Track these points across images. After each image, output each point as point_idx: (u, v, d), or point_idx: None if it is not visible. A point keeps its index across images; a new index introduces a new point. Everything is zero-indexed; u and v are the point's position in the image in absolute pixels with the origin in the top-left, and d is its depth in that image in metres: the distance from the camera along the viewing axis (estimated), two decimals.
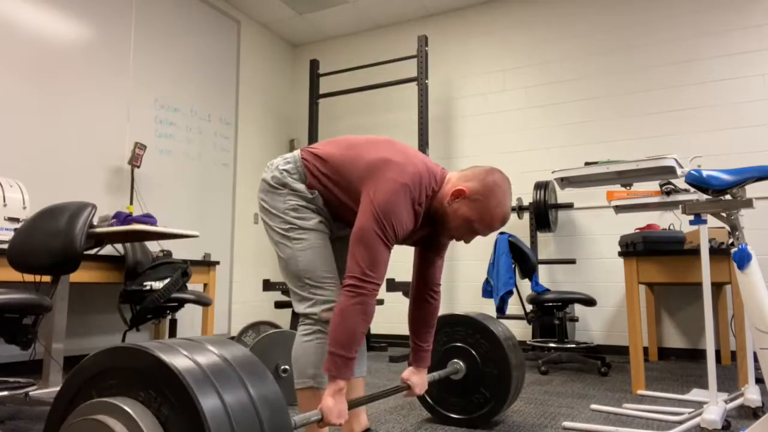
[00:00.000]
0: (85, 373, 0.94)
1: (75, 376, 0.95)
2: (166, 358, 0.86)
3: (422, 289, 1.83)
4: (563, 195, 4.74)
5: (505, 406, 2.17)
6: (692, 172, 1.94)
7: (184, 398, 0.82)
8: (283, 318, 5.80)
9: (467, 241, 1.66)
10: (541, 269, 4.75)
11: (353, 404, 1.57)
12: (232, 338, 3.94)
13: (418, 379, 1.83)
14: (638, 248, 2.97)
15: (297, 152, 1.74)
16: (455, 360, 2.24)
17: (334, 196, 1.66)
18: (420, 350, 1.84)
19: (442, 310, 5.09)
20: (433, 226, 1.72)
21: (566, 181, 2.85)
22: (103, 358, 0.92)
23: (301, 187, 1.67)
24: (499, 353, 2.16)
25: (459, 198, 1.60)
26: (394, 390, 1.78)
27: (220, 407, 0.83)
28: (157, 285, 3.27)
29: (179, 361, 0.86)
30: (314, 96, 5.31)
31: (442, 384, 2.28)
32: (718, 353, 3.99)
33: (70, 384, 0.96)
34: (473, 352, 2.21)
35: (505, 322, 4.85)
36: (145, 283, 3.29)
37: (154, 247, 4.13)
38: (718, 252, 2.76)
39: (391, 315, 5.14)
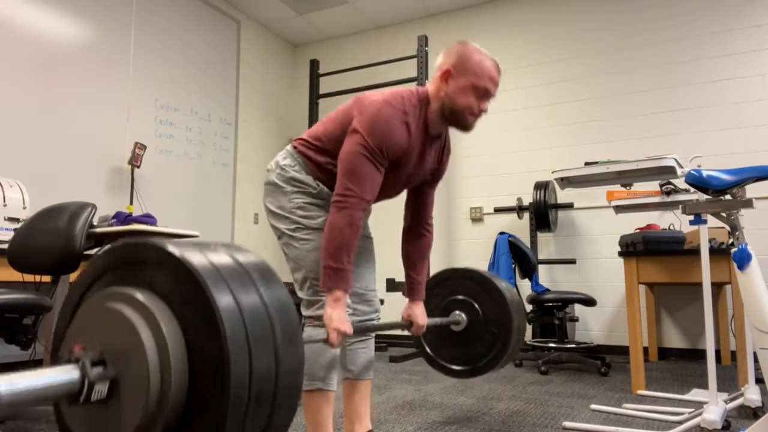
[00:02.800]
0: (99, 266, 0.92)
1: (89, 268, 0.93)
2: (181, 254, 0.84)
3: (416, 225, 1.85)
4: (563, 195, 4.74)
5: (505, 356, 2.16)
6: (692, 172, 1.94)
7: (198, 294, 0.81)
8: None
9: (484, 109, 1.63)
10: (541, 269, 4.75)
11: (360, 330, 1.58)
12: None
13: (419, 310, 1.85)
14: (638, 248, 2.97)
15: (288, 146, 1.75)
16: (457, 312, 2.24)
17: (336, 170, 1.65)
18: (416, 282, 1.87)
19: None
20: (439, 138, 1.72)
21: (566, 181, 2.85)
22: (117, 252, 0.90)
23: (305, 178, 1.67)
24: (500, 305, 2.16)
25: (449, 78, 1.61)
26: (398, 325, 1.79)
27: (234, 306, 0.81)
28: None
29: (194, 258, 0.84)
30: (314, 96, 5.31)
31: (444, 336, 2.28)
32: (718, 353, 3.99)
33: (84, 276, 0.94)
34: (475, 304, 2.21)
35: None
36: None
37: None
38: (718, 252, 2.76)
39: (391, 315, 5.13)
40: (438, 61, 1.66)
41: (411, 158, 1.64)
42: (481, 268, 2.34)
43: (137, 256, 0.88)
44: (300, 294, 1.67)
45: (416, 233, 1.86)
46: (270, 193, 1.72)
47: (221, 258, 0.89)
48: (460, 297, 2.24)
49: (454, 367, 2.24)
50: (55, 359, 0.91)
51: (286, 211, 1.67)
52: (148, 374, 0.78)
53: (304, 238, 1.64)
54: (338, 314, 1.46)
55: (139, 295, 0.83)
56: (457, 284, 2.27)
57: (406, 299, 1.90)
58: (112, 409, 0.81)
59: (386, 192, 1.73)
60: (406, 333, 5.34)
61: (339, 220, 1.49)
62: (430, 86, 1.67)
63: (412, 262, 1.87)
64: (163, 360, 0.79)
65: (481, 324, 2.18)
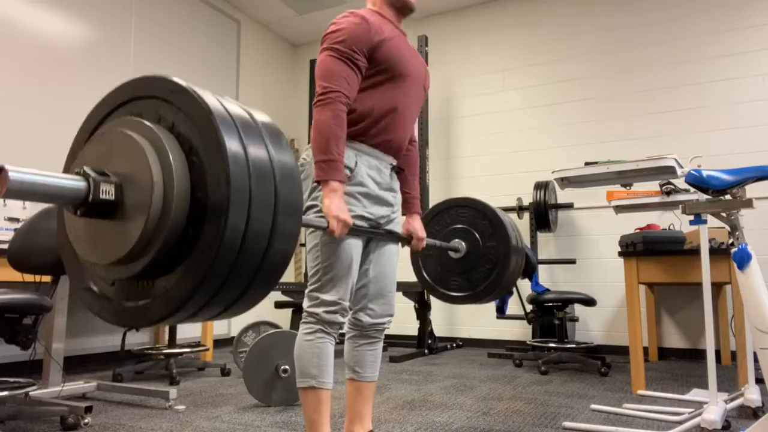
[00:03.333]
0: (116, 98, 0.94)
1: (106, 99, 0.95)
2: (202, 96, 0.85)
3: None
4: (563, 195, 4.74)
5: (503, 282, 2.17)
6: (692, 172, 1.94)
7: (209, 133, 0.82)
8: (283, 318, 5.80)
9: None
10: (541, 269, 4.75)
11: (355, 230, 1.60)
12: (232, 339, 3.95)
13: (417, 224, 1.88)
14: (638, 248, 2.97)
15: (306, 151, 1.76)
16: (457, 240, 2.25)
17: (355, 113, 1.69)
18: (411, 197, 1.92)
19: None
20: (405, 36, 1.81)
21: (566, 181, 2.84)
22: (133, 86, 0.92)
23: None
24: (499, 230, 2.17)
25: None
26: (399, 238, 1.79)
27: (242, 155, 0.82)
28: None
29: (209, 99, 0.86)
30: (314, 96, 5.31)
31: (444, 264, 2.29)
32: (718, 353, 3.99)
33: (100, 107, 0.96)
34: (475, 233, 2.22)
35: (505, 322, 4.85)
36: None
37: None
38: (718, 252, 2.76)
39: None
40: None
41: (399, 45, 1.71)
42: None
43: (154, 91, 0.89)
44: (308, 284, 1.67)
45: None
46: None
47: (235, 108, 0.89)
48: (461, 226, 2.26)
49: (453, 294, 2.26)
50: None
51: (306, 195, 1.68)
52: (151, 194, 0.80)
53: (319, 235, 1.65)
54: (337, 203, 1.49)
55: (151, 125, 0.85)
56: (459, 212, 2.30)
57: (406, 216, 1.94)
58: (113, 226, 0.84)
59: (414, 98, 1.77)
60: (406, 333, 5.31)
61: (323, 115, 1.55)
62: (367, 2, 1.80)
63: (404, 178, 1.92)
64: (167, 184, 0.81)
65: (480, 254, 2.21)
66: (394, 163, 1.80)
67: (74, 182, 0.80)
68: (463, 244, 2.24)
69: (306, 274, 4.62)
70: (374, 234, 1.67)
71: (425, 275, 2.33)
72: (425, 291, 3.92)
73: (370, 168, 1.69)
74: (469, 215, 2.26)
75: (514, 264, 2.19)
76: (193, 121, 0.84)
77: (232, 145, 0.82)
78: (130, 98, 0.92)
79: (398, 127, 1.72)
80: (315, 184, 1.63)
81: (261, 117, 0.93)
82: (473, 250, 2.22)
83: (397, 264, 1.90)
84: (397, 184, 1.84)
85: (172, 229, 0.81)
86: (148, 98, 0.90)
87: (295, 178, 0.91)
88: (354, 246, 1.66)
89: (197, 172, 0.83)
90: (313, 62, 5.34)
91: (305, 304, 1.65)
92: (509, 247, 2.16)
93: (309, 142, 1.83)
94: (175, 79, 0.87)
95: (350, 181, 1.65)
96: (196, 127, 0.84)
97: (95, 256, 0.85)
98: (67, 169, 0.96)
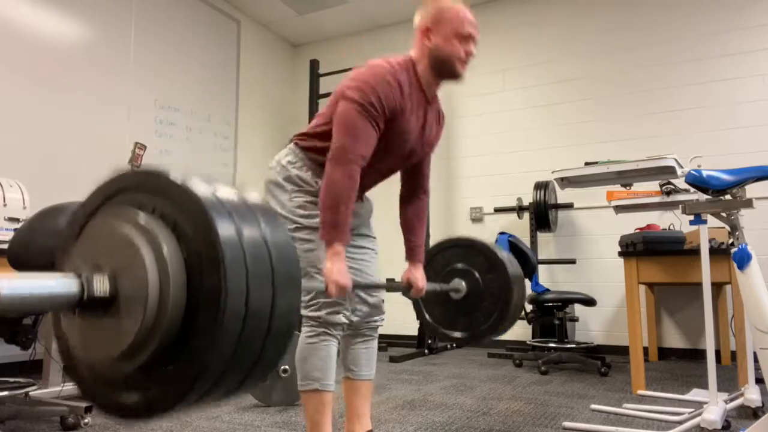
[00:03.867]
0: (105, 191, 0.93)
1: (95, 193, 0.94)
2: (186, 182, 0.85)
3: (412, 192, 1.88)
4: (563, 195, 4.74)
5: (504, 324, 2.16)
6: (692, 172, 1.94)
7: (201, 222, 0.81)
8: None
9: (470, 52, 1.68)
10: (541, 269, 4.75)
11: (358, 286, 1.58)
12: None
13: (418, 273, 1.85)
14: (638, 248, 2.97)
15: (290, 144, 1.75)
16: (457, 280, 2.25)
17: None
18: (415, 245, 1.89)
19: None
20: (436, 103, 1.79)
21: (566, 181, 2.85)
22: (125, 178, 0.91)
23: (305, 175, 1.67)
24: (501, 275, 2.16)
25: (429, 34, 1.65)
26: (398, 288, 1.79)
27: (235, 237, 0.82)
28: None
29: (200, 187, 0.85)
30: (314, 96, 5.31)
31: (444, 305, 2.28)
32: (718, 353, 3.99)
33: (89, 201, 0.95)
34: (476, 273, 2.21)
35: None
36: None
37: None
38: (718, 252, 2.76)
39: (391, 315, 5.13)
40: (415, 22, 1.70)
41: (409, 120, 1.65)
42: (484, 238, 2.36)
43: (143, 183, 0.89)
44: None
45: (414, 198, 1.89)
46: (271, 192, 1.72)
47: (226, 192, 0.89)
48: (461, 266, 2.25)
49: (455, 334, 2.25)
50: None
51: (286, 210, 1.67)
52: (146, 291, 0.79)
53: (303, 238, 1.64)
54: (338, 267, 1.47)
55: (143, 218, 0.85)
56: (458, 253, 2.28)
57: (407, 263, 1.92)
58: (109, 324, 0.83)
59: (389, 164, 1.74)
60: (406, 333, 5.31)
61: (336, 175, 1.49)
62: (413, 50, 1.70)
63: (410, 226, 1.89)
64: (162, 279, 0.80)
65: (480, 293, 2.20)
66: None
67: (67, 283, 0.80)
68: (463, 283, 2.21)
69: None
70: (375, 287, 1.68)
71: (428, 317, 2.32)
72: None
73: None
74: (463, 254, 2.24)
75: (516, 296, 2.18)
76: (185, 211, 0.84)
77: (225, 231, 0.82)
78: (120, 190, 0.92)
79: (367, 180, 1.69)
80: (297, 197, 1.65)
81: (253, 197, 0.95)
82: (473, 292, 2.20)
83: (377, 262, 1.92)
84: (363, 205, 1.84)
85: (170, 321, 0.81)
86: (138, 191, 0.90)
87: (291, 253, 0.92)
88: None
89: (192, 262, 0.83)
90: (313, 62, 5.34)
91: (306, 311, 1.65)
92: (509, 280, 2.13)
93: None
94: (165, 172, 0.87)
95: (312, 191, 1.66)
96: (188, 217, 0.84)
97: (93, 355, 0.85)
98: (59, 267, 0.96)
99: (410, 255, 1.88)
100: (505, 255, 2.22)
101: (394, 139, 1.63)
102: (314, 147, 1.68)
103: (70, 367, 0.92)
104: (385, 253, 2.35)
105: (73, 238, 0.96)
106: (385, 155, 1.64)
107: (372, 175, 1.69)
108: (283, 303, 0.87)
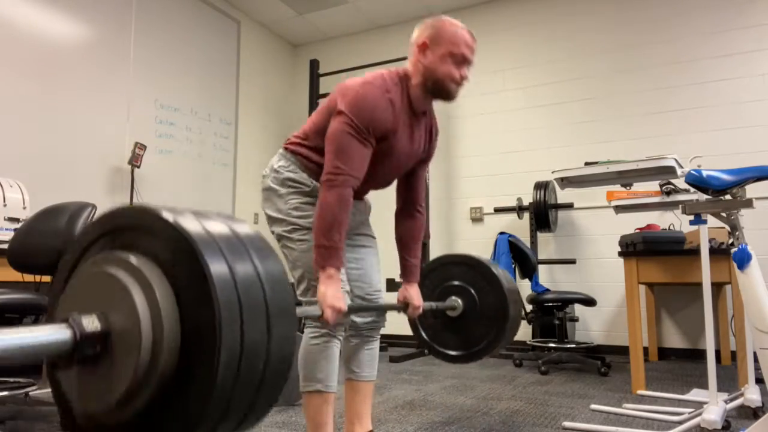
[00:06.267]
0: (93, 232, 0.93)
1: (83, 234, 0.94)
2: (176, 220, 0.84)
3: (408, 207, 1.86)
4: (563, 195, 4.74)
5: (501, 342, 2.16)
6: (692, 172, 1.94)
7: (192, 260, 0.81)
8: None
9: (464, 76, 1.65)
10: (541, 269, 4.75)
11: (353, 310, 1.59)
12: None
13: (414, 291, 1.84)
14: (638, 248, 2.97)
15: (280, 149, 1.76)
16: (453, 297, 2.24)
17: None
18: (410, 264, 1.87)
19: None
20: (424, 115, 1.74)
21: (566, 181, 2.85)
22: (110, 218, 0.91)
23: (299, 176, 1.68)
24: (497, 293, 2.16)
25: (426, 50, 1.63)
26: (394, 307, 1.79)
27: (227, 274, 0.81)
28: None
29: (189, 224, 0.84)
30: (314, 96, 5.31)
31: (440, 321, 2.27)
32: (718, 353, 3.99)
33: (77, 243, 0.94)
34: (472, 290, 2.21)
35: None
36: None
37: None
38: (718, 252, 2.76)
39: (391, 314, 5.13)
40: (413, 37, 1.68)
41: (400, 138, 1.64)
42: (480, 255, 2.35)
43: (131, 222, 0.88)
44: (300, 295, 1.67)
45: (408, 215, 1.87)
46: (267, 199, 1.73)
47: (217, 226, 0.88)
48: (457, 283, 2.24)
49: (451, 352, 2.25)
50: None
51: (283, 214, 1.68)
52: (140, 335, 0.78)
53: (300, 238, 1.65)
54: (332, 291, 1.46)
55: (133, 259, 0.84)
56: (454, 270, 2.27)
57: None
58: (103, 371, 0.81)
59: (381, 178, 1.74)
60: (406, 333, 5.32)
61: (330, 198, 1.49)
62: (409, 64, 1.68)
63: (405, 244, 1.88)
64: (155, 322, 0.79)
65: (477, 310, 2.19)
66: None
67: (58, 334, 0.78)
68: (460, 301, 2.21)
69: None
70: (369, 309, 1.68)
71: (423, 335, 2.32)
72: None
73: None
74: (466, 272, 2.23)
75: (510, 329, 2.17)
76: (175, 249, 0.83)
77: (216, 268, 0.81)
78: (107, 231, 0.91)
79: (362, 188, 1.70)
80: (293, 199, 1.66)
81: (244, 230, 0.94)
82: (470, 310, 2.19)
83: (379, 262, 1.92)
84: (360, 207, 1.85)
85: (165, 363, 0.80)
86: (127, 230, 0.89)
87: (283, 285, 0.91)
88: None
89: (185, 301, 0.82)
90: (313, 62, 5.34)
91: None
92: (505, 297, 2.13)
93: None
94: (154, 209, 0.86)
95: (306, 191, 1.66)
96: (179, 255, 0.83)
97: (91, 404, 0.84)
98: (50, 315, 0.95)
99: (405, 274, 1.87)
100: (500, 272, 2.22)
101: (384, 154, 1.64)
102: (304, 148, 1.69)
103: (68, 421, 0.91)
104: (386, 253, 2.35)
105: (63, 281, 0.95)
106: (377, 168, 1.65)
107: (367, 183, 1.70)
108: (279, 334, 0.87)
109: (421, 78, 1.64)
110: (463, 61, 1.63)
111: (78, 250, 0.94)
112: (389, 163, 1.68)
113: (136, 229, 0.87)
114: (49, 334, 0.77)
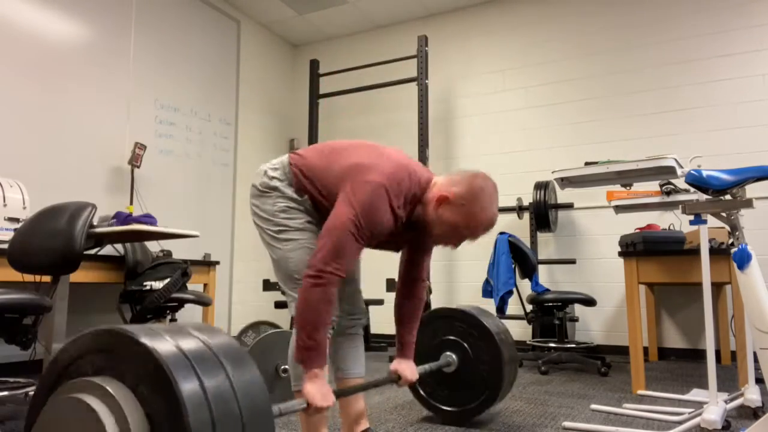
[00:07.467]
0: (68, 355, 0.95)
1: (58, 358, 0.96)
2: (148, 342, 0.87)
3: (410, 285, 1.85)
4: (563, 195, 4.74)
5: (497, 399, 2.16)
6: (692, 172, 1.94)
7: (163, 382, 0.84)
8: (283, 318, 5.80)
9: (454, 247, 1.64)
10: (541, 269, 4.75)
11: (341, 393, 1.58)
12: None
13: (408, 366, 1.83)
14: (638, 248, 2.97)
15: (285, 157, 1.75)
16: (448, 353, 2.24)
17: (320, 204, 1.67)
18: (406, 342, 1.85)
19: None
20: (416, 230, 1.73)
21: (566, 181, 2.84)
22: (86, 341, 0.94)
23: (290, 191, 1.69)
24: (491, 346, 2.16)
25: (443, 204, 1.58)
26: (385, 381, 1.78)
27: (199, 392, 0.85)
28: (157, 285, 3.27)
29: (160, 345, 0.88)
30: (314, 96, 5.31)
31: (435, 376, 2.28)
32: (718, 353, 3.99)
33: (53, 366, 0.97)
34: (465, 345, 2.21)
35: (505, 322, 4.85)
36: (145, 283, 3.28)
37: (154, 247, 4.13)
38: (718, 252, 2.76)
39: (391, 315, 5.13)
40: (442, 180, 1.63)
41: (393, 233, 1.66)
42: (468, 305, 2.35)
43: (105, 345, 0.92)
44: (285, 291, 1.68)
45: (408, 294, 1.85)
46: (255, 195, 1.75)
47: (190, 343, 0.93)
48: (451, 337, 2.24)
49: (448, 409, 2.25)
50: None
51: (270, 214, 1.69)
52: None
53: (287, 238, 1.66)
54: (318, 388, 1.45)
55: (106, 385, 0.87)
56: (446, 324, 2.27)
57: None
58: None
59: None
60: None
61: (315, 296, 1.45)
62: (434, 188, 1.63)
63: (403, 320, 1.86)
64: None
65: (471, 363, 2.19)
66: None
67: None
68: (454, 356, 2.21)
69: None
70: (355, 391, 1.66)
71: (419, 388, 2.33)
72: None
73: None
74: (457, 326, 2.23)
75: (506, 375, 2.17)
76: (145, 372, 0.87)
77: (187, 387, 0.85)
78: (84, 353, 0.94)
79: None
80: (280, 202, 1.67)
81: (218, 341, 0.98)
82: (465, 364, 2.19)
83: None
84: None
85: None
86: (103, 351, 0.92)
87: (258, 388, 0.95)
88: (312, 241, 1.67)
89: (156, 420, 0.86)
90: (313, 62, 5.34)
91: (294, 311, 1.65)
92: (500, 360, 2.13)
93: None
94: (129, 332, 0.90)
95: (295, 200, 1.67)
96: (149, 377, 0.86)
97: None
98: None
99: (400, 350, 1.86)
100: (490, 321, 2.22)
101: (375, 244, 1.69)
102: (301, 180, 1.68)
103: None
104: (386, 253, 2.35)
105: (38, 407, 0.97)
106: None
107: None
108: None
109: (427, 215, 1.62)
110: (462, 240, 1.61)
111: (52, 374, 0.97)
112: (379, 243, 1.72)
113: (112, 351, 0.90)
114: None
